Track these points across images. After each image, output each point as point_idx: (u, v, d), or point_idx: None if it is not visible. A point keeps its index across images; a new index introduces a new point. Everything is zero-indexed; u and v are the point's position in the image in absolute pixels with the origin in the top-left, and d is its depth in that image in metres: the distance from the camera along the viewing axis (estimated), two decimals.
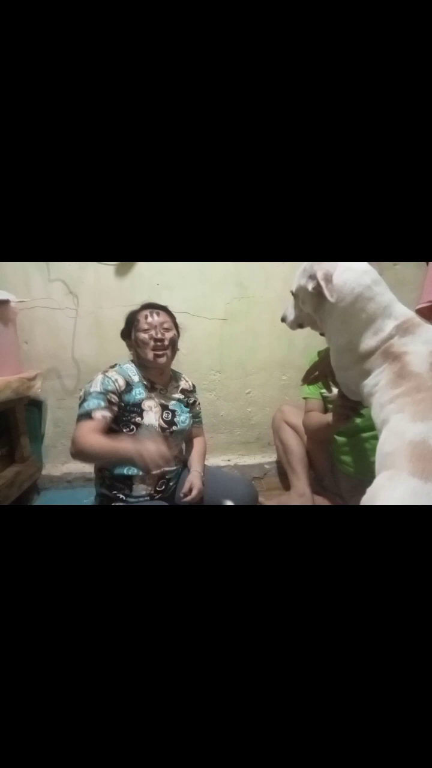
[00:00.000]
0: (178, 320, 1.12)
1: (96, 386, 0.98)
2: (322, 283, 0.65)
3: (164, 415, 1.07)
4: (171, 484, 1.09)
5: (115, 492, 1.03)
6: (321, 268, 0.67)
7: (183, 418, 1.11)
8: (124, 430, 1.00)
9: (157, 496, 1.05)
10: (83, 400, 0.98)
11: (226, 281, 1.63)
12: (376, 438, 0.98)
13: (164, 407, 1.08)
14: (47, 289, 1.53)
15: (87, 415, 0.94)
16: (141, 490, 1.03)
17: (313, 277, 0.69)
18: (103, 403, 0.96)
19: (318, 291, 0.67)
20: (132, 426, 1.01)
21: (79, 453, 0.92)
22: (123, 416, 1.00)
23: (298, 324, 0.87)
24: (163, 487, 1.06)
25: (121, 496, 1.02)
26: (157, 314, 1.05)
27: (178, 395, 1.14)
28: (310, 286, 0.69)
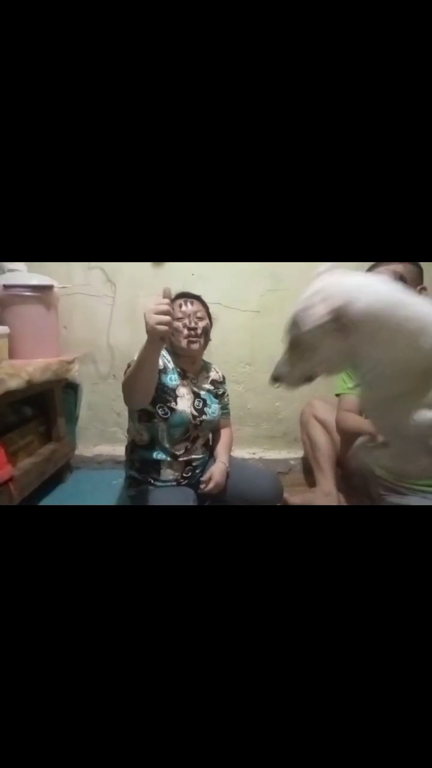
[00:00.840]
0: (211, 310, 1.14)
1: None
2: (343, 317, 0.49)
3: (196, 402, 1.09)
4: (197, 471, 1.11)
5: (144, 475, 1.07)
6: (331, 299, 0.51)
7: (213, 409, 1.13)
8: (160, 413, 1.03)
9: (183, 482, 1.08)
10: (128, 367, 0.99)
11: (260, 273, 1.61)
12: None
13: (196, 395, 1.10)
14: (87, 277, 1.59)
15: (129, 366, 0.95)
16: (168, 474, 1.06)
17: (330, 313, 0.51)
18: None
19: (340, 327, 0.50)
20: (167, 410, 1.03)
21: (126, 390, 0.92)
22: (160, 398, 1.02)
23: (306, 379, 0.65)
24: (190, 473, 1.09)
25: (150, 479, 1.06)
26: (191, 303, 1.08)
27: (208, 386, 1.16)
28: (328, 326, 0.51)
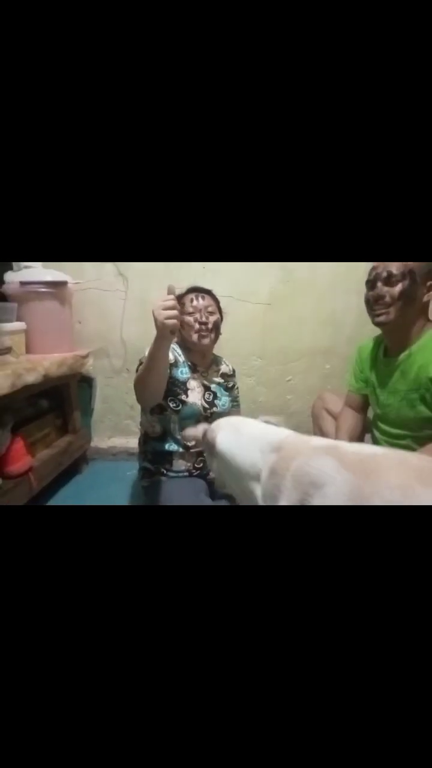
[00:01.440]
0: (221, 304, 1.14)
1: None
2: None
3: (206, 395, 1.11)
4: (207, 465, 1.13)
5: (157, 466, 1.09)
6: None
7: (223, 401, 1.15)
8: (171, 405, 1.05)
9: (195, 473, 1.10)
10: (140, 363, 1.02)
11: (271, 265, 1.60)
12: (416, 438, 0.93)
13: (206, 388, 1.12)
14: (99, 272, 1.61)
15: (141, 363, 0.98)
16: (181, 465, 1.08)
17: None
18: None
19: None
20: (178, 402, 1.05)
21: (138, 388, 0.95)
22: (171, 391, 1.05)
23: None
24: (201, 464, 1.11)
25: (162, 470, 1.08)
26: (202, 298, 1.09)
27: (218, 379, 1.17)
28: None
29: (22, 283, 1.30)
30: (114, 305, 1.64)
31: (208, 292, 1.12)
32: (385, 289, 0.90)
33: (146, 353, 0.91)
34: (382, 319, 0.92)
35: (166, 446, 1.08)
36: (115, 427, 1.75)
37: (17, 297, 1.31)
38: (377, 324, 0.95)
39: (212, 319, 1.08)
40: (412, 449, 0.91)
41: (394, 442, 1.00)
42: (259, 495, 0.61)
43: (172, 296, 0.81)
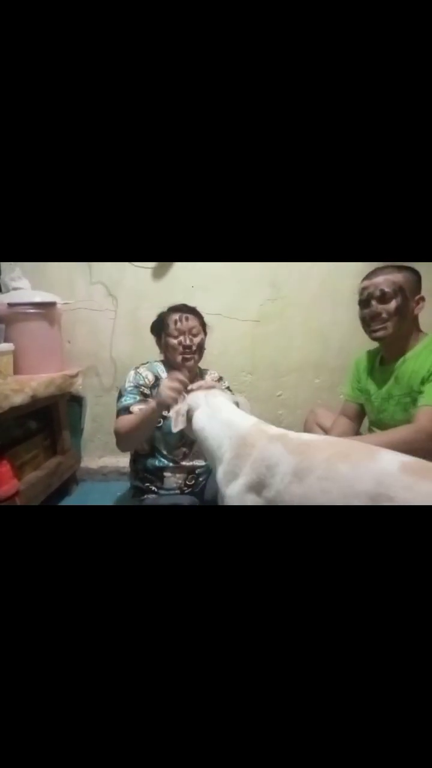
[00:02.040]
0: (207, 320, 1.14)
1: (129, 382, 1.06)
2: None
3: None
4: (201, 479, 1.11)
5: (147, 484, 1.07)
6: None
7: None
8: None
9: (187, 490, 1.08)
10: (120, 396, 1.05)
11: (259, 282, 1.63)
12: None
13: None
14: (89, 291, 1.62)
15: (126, 410, 1.01)
16: (172, 483, 1.06)
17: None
18: (138, 397, 1.03)
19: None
20: (159, 420, 1.04)
21: (123, 440, 1.00)
22: None
23: None
24: (193, 481, 1.09)
25: (153, 488, 1.06)
26: (186, 319, 1.07)
27: None
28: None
29: (10, 305, 1.30)
30: (104, 324, 1.65)
31: (192, 311, 1.11)
32: (381, 306, 0.95)
33: (131, 408, 0.99)
34: (380, 334, 0.96)
35: (156, 462, 1.06)
36: (106, 447, 1.72)
37: (5, 318, 1.30)
38: (376, 339, 0.99)
39: (196, 341, 1.07)
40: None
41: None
42: (221, 473, 0.71)
43: (181, 381, 0.89)
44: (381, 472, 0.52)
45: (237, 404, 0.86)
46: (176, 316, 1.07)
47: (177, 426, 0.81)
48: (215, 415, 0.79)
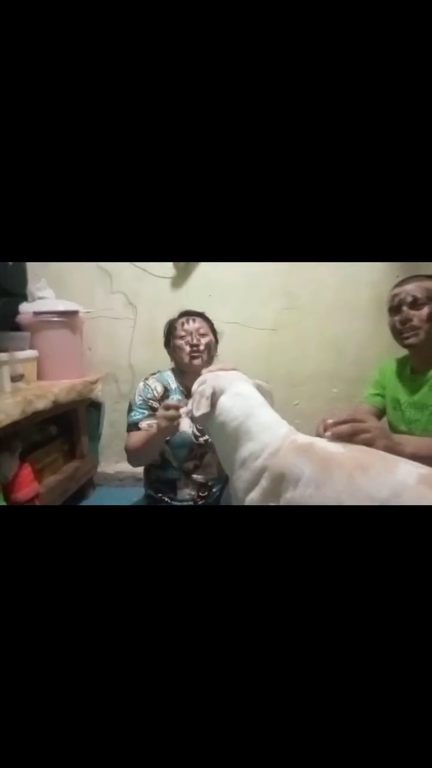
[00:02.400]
0: (223, 328, 1.17)
1: (138, 396, 1.09)
2: None
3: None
4: (214, 490, 1.11)
5: (160, 495, 1.08)
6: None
7: None
8: None
9: (200, 502, 1.08)
10: (129, 410, 1.09)
11: (275, 291, 1.64)
12: None
13: None
14: (109, 301, 1.67)
15: (134, 426, 1.05)
16: (185, 494, 1.07)
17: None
18: (146, 412, 1.05)
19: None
20: None
21: (132, 458, 1.03)
22: None
23: None
24: (206, 492, 1.09)
25: (166, 499, 1.07)
26: (193, 320, 1.10)
27: None
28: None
29: (36, 313, 1.36)
30: (123, 332, 1.69)
31: (200, 315, 1.13)
32: (412, 312, 0.95)
33: (140, 424, 1.02)
34: (412, 341, 0.96)
35: (169, 474, 1.07)
36: (122, 452, 1.74)
37: (30, 326, 1.36)
38: (407, 346, 0.99)
39: (204, 340, 1.07)
40: None
41: None
42: (242, 479, 0.68)
43: (174, 406, 0.89)
44: (398, 484, 0.53)
45: (258, 388, 0.79)
46: (183, 319, 1.10)
47: (199, 410, 0.71)
48: (247, 409, 0.71)
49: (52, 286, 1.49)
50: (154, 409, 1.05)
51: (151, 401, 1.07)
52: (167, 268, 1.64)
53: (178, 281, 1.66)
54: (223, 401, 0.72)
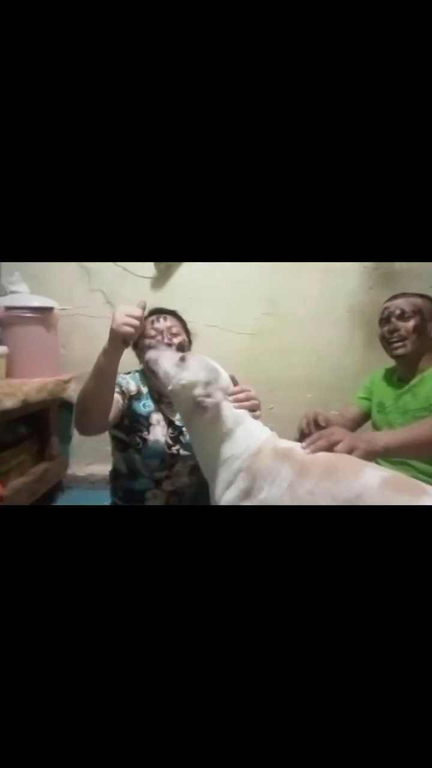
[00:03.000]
0: (203, 331, 1.13)
1: None
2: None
3: (170, 431, 1.00)
4: (184, 497, 1.07)
5: (128, 505, 1.03)
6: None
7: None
8: (133, 443, 0.97)
9: None
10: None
11: (256, 297, 1.66)
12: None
13: (170, 423, 1.01)
14: (88, 299, 1.63)
15: None
16: (154, 504, 1.02)
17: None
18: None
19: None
20: (139, 441, 0.97)
21: (77, 404, 0.86)
22: (132, 427, 0.97)
23: None
24: (177, 499, 1.04)
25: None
26: (164, 319, 1.00)
27: None
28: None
29: (7, 308, 1.30)
30: (101, 331, 1.63)
31: (171, 313, 1.04)
32: (400, 323, 1.02)
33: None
34: (399, 351, 1.03)
35: (137, 485, 0.99)
36: (95, 454, 1.70)
37: (2, 321, 1.30)
38: (395, 356, 1.05)
39: (176, 340, 0.98)
40: (412, 467, 0.99)
41: (396, 460, 1.03)
42: (221, 478, 0.70)
43: (140, 310, 0.75)
44: (361, 486, 0.56)
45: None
46: (153, 317, 1.00)
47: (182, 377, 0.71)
48: (239, 417, 0.75)
49: (29, 281, 1.43)
50: (122, 394, 0.94)
51: (121, 388, 0.96)
52: (148, 269, 1.63)
53: (159, 282, 1.64)
54: (225, 405, 0.74)
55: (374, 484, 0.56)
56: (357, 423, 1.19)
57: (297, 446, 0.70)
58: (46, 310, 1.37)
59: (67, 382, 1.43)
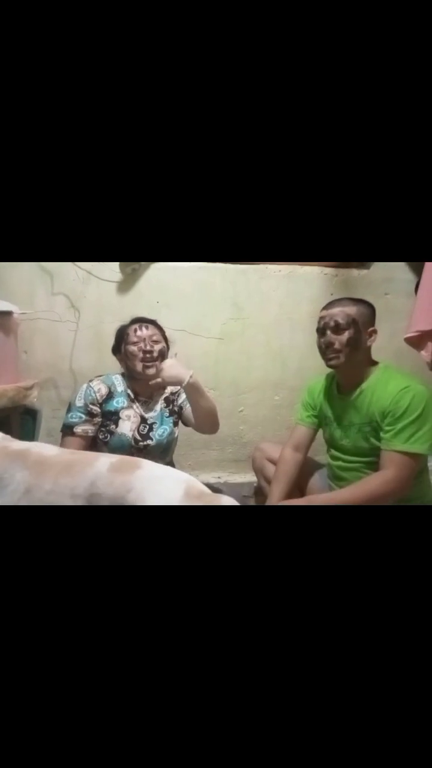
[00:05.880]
0: (169, 334, 1.17)
1: (79, 398, 1.06)
2: None
3: (141, 428, 1.09)
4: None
5: None
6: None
7: (161, 431, 1.11)
8: (99, 437, 1.06)
9: None
10: (68, 410, 1.06)
11: (223, 302, 1.69)
12: (368, 464, 1.01)
13: (143, 420, 1.10)
14: (50, 302, 1.58)
15: (69, 429, 1.03)
16: None
17: None
18: (84, 417, 1.03)
19: None
20: (106, 434, 1.05)
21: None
22: (102, 423, 1.06)
23: None
24: None
25: None
26: (146, 327, 1.10)
27: (161, 405, 1.15)
28: None
29: None
30: (65, 336, 1.60)
31: (152, 322, 1.13)
32: (334, 336, 1.01)
33: (75, 406, 0.98)
34: (334, 363, 1.03)
35: None
36: None
37: None
38: (330, 367, 1.05)
39: (157, 347, 1.08)
40: (365, 473, 1.02)
41: (348, 466, 1.08)
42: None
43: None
44: (94, 474, 0.62)
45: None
46: (136, 325, 1.10)
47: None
48: None
49: None
50: (93, 415, 1.04)
51: (91, 406, 1.04)
52: (114, 272, 1.61)
53: (124, 286, 1.62)
54: None
55: (104, 469, 0.62)
56: (309, 441, 1.18)
57: (33, 446, 0.71)
58: (5, 314, 1.31)
59: (29, 388, 1.37)
